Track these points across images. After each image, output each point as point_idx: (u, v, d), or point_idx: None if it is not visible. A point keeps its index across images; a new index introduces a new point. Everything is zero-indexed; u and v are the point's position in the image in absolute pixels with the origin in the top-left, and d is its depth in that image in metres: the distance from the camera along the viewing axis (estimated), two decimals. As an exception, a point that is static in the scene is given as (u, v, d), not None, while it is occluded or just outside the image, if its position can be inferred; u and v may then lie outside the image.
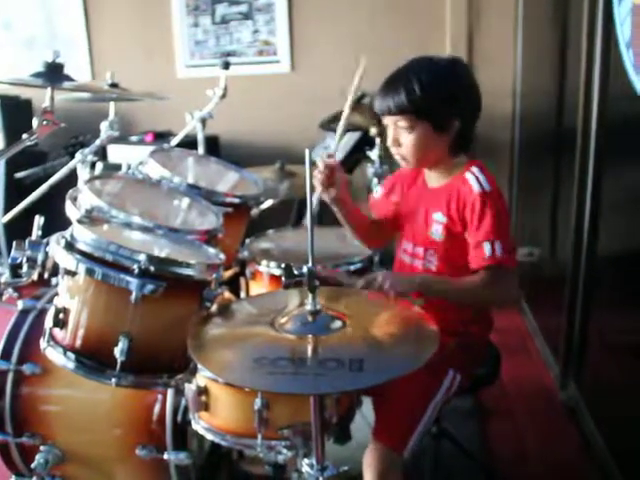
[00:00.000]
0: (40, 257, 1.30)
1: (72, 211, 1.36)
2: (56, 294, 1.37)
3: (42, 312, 1.70)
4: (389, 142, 1.55)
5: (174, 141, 2.60)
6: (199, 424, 1.56)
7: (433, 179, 1.61)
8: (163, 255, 1.34)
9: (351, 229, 1.71)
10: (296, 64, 3.83)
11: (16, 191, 2.62)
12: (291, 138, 3.61)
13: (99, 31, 4.03)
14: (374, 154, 2.89)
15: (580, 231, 2.24)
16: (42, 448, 1.62)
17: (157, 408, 1.59)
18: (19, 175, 2.12)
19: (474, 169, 1.51)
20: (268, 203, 2.36)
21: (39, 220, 1.37)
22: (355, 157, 3.14)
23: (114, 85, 2.24)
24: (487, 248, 1.42)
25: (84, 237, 1.27)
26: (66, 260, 1.27)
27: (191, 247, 1.46)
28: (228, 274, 1.95)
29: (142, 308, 1.26)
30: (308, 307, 1.20)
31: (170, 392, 1.59)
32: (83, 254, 1.26)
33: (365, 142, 3.01)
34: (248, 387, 1.36)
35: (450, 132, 1.49)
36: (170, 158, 1.98)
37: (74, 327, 1.30)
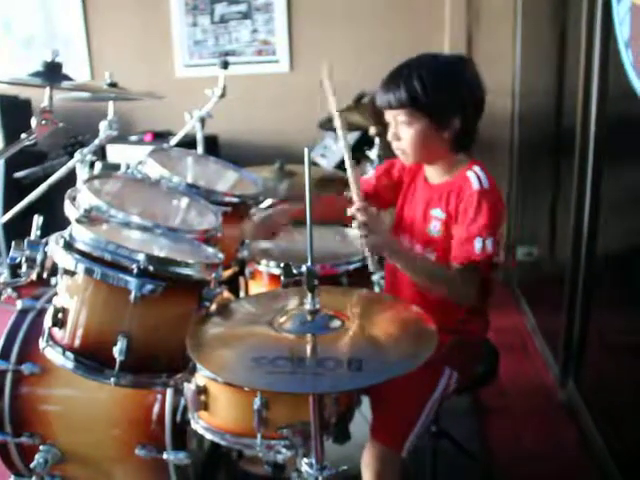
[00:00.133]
0: (39, 257, 1.29)
1: (71, 211, 1.35)
2: (55, 294, 1.37)
3: (41, 312, 1.70)
4: (389, 136, 1.56)
5: (173, 141, 2.60)
6: (198, 424, 1.56)
7: (434, 175, 1.60)
8: (162, 255, 1.33)
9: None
10: (295, 64, 3.83)
11: (15, 191, 2.63)
12: (290, 138, 3.60)
13: (98, 31, 4.03)
14: (373, 154, 2.88)
15: (579, 230, 2.24)
16: (41, 448, 1.62)
17: (156, 408, 1.59)
18: (18, 175, 2.13)
19: (476, 168, 1.51)
20: (267, 203, 2.36)
21: (38, 220, 1.36)
22: (354, 157, 3.13)
23: (113, 85, 2.23)
24: (478, 244, 1.43)
25: (83, 237, 1.27)
26: (65, 260, 1.27)
27: (190, 246, 1.46)
28: (227, 273, 1.94)
29: (141, 308, 1.25)
30: (307, 306, 1.20)
31: (169, 392, 1.59)
32: (82, 254, 1.26)
33: (365, 142, 3.00)
34: (247, 386, 1.36)
35: (450, 129, 1.49)
36: (169, 158, 1.98)
37: (73, 327, 1.30)
